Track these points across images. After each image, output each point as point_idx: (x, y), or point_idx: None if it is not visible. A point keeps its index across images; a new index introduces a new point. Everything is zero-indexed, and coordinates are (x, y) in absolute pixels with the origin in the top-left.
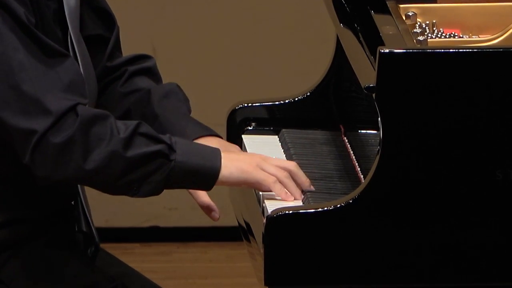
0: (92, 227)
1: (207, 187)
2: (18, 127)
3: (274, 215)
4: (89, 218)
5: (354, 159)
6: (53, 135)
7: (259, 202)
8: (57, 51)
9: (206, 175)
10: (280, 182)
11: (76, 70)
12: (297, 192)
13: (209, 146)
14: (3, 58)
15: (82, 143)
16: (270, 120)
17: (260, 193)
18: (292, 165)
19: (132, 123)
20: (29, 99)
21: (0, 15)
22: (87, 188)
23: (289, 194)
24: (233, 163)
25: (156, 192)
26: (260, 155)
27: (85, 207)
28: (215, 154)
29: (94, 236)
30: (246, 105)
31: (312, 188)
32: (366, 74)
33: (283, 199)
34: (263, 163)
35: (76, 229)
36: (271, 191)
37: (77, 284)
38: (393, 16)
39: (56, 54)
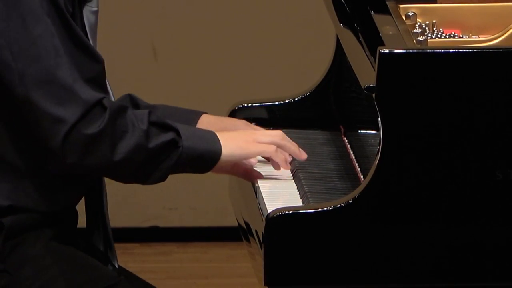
0: (112, 249)
1: (206, 170)
2: (48, 112)
3: (274, 215)
4: (110, 238)
5: (354, 159)
6: (84, 126)
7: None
8: (87, 44)
9: (209, 158)
10: (279, 146)
11: (100, 66)
12: (296, 150)
13: (203, 129)
14: (40, 41)
15: (110, 135)
16: (270, 120)
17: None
18: (279, 132)
19: (144, 113)
20: (62, 85)
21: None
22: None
23: (288, 164)
24: (231, 142)
25: (164, 178)
26: (249, 130)
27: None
28: (213, 136)
29: (111, 260)
30: (246, 105)
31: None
32: (366, 74)
33: (283, 168)
34: (257, 135)
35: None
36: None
37: (81, 277)
38: (393, 16)
39: (85, 47)
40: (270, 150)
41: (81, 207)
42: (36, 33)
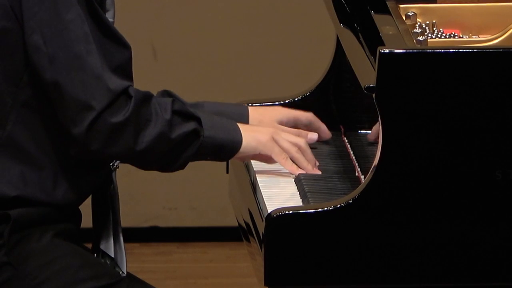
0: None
1: (226, 159)
2: (76, 98)
3: (274, 215)
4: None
5: (354, 159)
6: (110, 114)
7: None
8: (114, 32)
9: (229, 148)
10: (291, 157)
11: (128, 53)
12: (308, 166)
13: (226, 119)
14: (72, 26)
15: (134, 124)
16: None
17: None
18: (302, 141)
19: (168, 102)
20: (92, 72)
21: None
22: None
23: (299, 169)
24: (250, 133)
25: (183, 166)
26: (274, 129)
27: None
28: (234, 126)
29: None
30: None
31: (317, 165)
32: (366, 74)
33: (292, 173)
34: (277, 135)
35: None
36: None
37: (84, 273)
38: (393, 16)
39: (113, 34)
40: (281, 157)
41: (87, 209)
42: (68, 18)
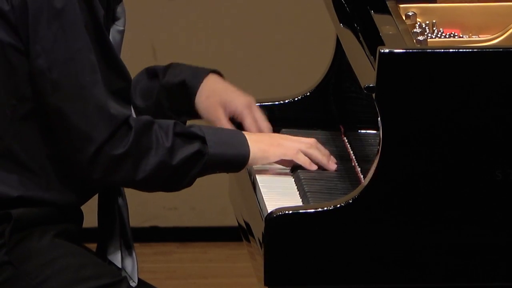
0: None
1: (236, 171)
2: (77, 128)
3: (274, 215)
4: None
5: (354, 159)
6: (110, 147)
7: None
8: (118, 62)
9: (237, 162)
10: (305, 153)
11: (127, 85)
12: (324, 159)
13: (233, 131)
14: (78, 56)
15: (134, 156)
16: (270, 120)
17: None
18: (312, 140)
19: (169, 126)
20: (95, 103)
21: (82, 11)
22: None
23: (313, 164)
24: (255, 144)
25: (191, 183)
26: (280, 134)
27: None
28: (242, 139)
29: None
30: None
31: (334, 161)
32: (366, 74)
33: (308, 168)
34: (284, 139)
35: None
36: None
37: (84, 272)
38: (393, 16)
39: (116, 64)
40: (291, 153)
41: (88, 209)
42: (76, 47)
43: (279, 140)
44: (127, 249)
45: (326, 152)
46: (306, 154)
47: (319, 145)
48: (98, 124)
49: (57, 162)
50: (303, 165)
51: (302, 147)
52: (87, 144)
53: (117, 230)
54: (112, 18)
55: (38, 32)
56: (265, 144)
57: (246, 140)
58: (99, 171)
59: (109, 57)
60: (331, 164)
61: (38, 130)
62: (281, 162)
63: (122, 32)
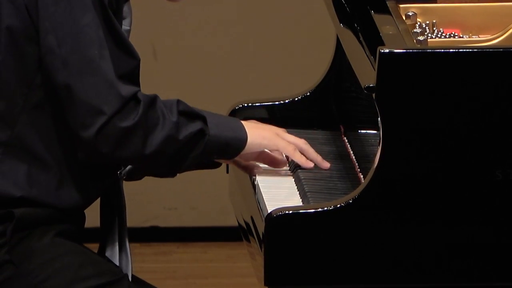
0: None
1: (232, 157)
2: (87, 102)
3: (274, 215)
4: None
5: (354, 159)
6: (120, 119)
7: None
8: (126, 41)
9: (235, 145)
10: (301, 150)
11: (136, 62)
12: (318, 157)
13: (230, 117)
14: (87, 30)
15: (143, 128)
16: (270, 120)
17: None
18: (303, 141)
19: (173, 103)
20: (104, 77)
21: None
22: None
23: (309, 161)
24: (254, 131)
25: (190, 167)
26: (276, 127)
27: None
28: (239, 124)
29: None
30: (246, 105)
31: (325, 162)
32: (366, 74)
33: (304, 166)
34: (281, 132)
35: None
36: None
37: (85, 271)
38: (393, 16)
39: (124, 43)
40: (289, 148)
41: (90, 209)
42: (83, 22)
43: (277, 131)
44: (123, 247)
45: (317, 154)
46: (302, 151)
47: (309, 146)
48: (108, 98)
49: (70, 153)
50: (299, 162)
51: (299, 143)
52: (97, 117)
53: (116, 229)
54: (119, 17)
55: (47, 9)
56: (265, 131)
57: (243, 125)
58: (109, 144)
59: (116, 36)
60: (324, 163)
61: (51, 118)
62: (265, 158)
63: (128, 32)
